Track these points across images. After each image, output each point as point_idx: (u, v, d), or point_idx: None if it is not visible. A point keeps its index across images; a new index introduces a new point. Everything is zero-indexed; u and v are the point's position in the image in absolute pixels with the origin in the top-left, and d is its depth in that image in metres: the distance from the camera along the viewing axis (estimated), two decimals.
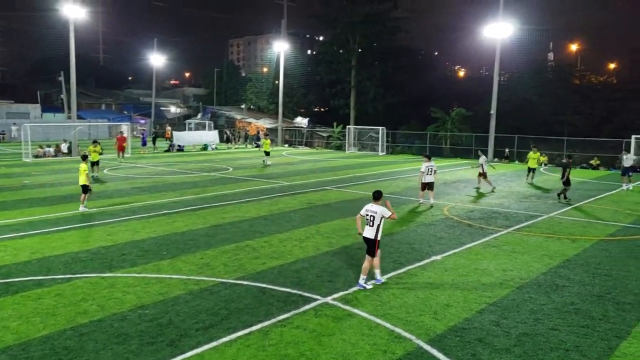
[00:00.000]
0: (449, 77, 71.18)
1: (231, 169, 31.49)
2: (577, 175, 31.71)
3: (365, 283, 10.09)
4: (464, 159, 42.70)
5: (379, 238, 10.07)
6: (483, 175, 23.55)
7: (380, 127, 48.02)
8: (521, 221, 16.85)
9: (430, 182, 19.29)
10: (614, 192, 23.91)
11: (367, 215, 10.06)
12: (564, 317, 8.93)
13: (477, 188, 23.82)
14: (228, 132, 53.02)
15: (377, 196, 10.21)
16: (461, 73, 75.22)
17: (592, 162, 37.09)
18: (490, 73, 51.48)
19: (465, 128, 47.63)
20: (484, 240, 14.29)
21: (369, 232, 10.04)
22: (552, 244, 14.00)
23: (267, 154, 35.15)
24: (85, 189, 17.45)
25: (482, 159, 23.94)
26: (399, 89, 60.38)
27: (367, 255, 10.11)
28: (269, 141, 36.39)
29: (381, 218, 10.00)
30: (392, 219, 10.22)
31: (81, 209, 17.38)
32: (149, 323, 8.41)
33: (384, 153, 47.34)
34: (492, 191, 22.93)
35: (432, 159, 19.92)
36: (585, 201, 21.27)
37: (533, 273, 11.32)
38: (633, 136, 34.47)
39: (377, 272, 10.34)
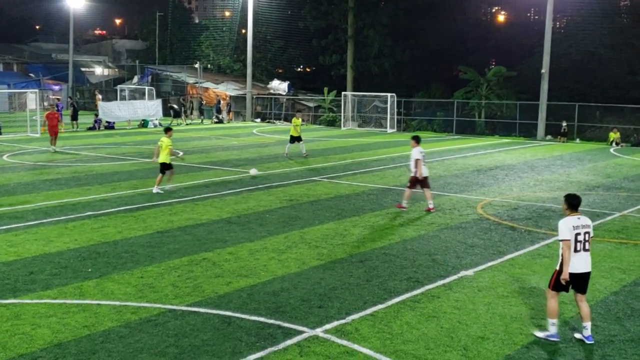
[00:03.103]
0: (484, 24, 71.35)
1: (181, 153, 31.41)
2: None
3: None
4: (504, 137, 42.97)
5: None
6: None
7: (389, 94, 48.13)
8: None
9: (426, 176, 18.25)
10: None
11: (580, 234, 9.15)
12: None
13: None
14: (175, 106, 52.72)
15: (580, 203, 9.54)
16: (501, 17, 75.42)
17: None
18: (542, 17, 51.65)
19: (507, 94, 47.88)
20: (532, 248, 14.44)
21: (585, 263, 9.27)
22: (627, 252, 14.19)
23: (297, 139, 30.36)
24: (165, 167, 20.45)
25: None
26: (413, 41, 60.49)
27: (579, 294, 9.41)
28: (299, 121, 31.09)
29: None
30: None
31: (155, 190, 20.37)
32: None
33: (394, 130, 47.50)
34: None
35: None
36: None
37: (600, 293, 11.47)
38: None
39: (589, 324, 9.41)
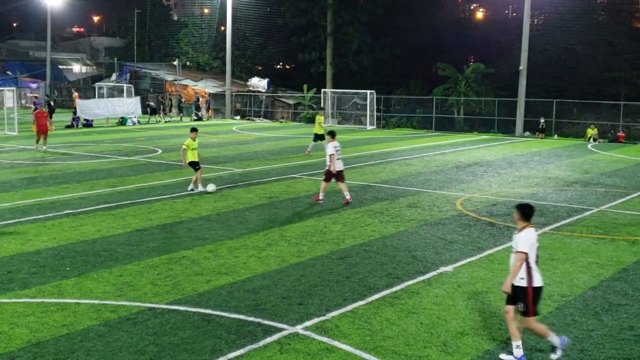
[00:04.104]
0: (463, 21, 71.66)
1: (160, 151, 31.31)
2: (638, 154, 32.44)
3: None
4: (483, 134, 43.21)
5: None
6: None
7: (369, 91, 48.21)
8: (562, 217, 17.17)
9: (342, 170, 18.82)
10: None
11: (537, 248, 8.66)
12: (620, 347, 9.14)
13: None
14: (153, 103, 52.39)
15: (533, 213, 8.79)
16: (479, 15, 75.84)
17: None
18: (519, 14, 52.02)
19: (485, 90, 48.14)
20: (511, 244, 14.50)
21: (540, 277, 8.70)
22: (604, 247, 14.32)
23: (320, 137, 29.85)
24: (194, 165, 20.29)
25: None
26: (392, 38, 60.58)
27: (528, 318, 8.64)
28: (322, 118, 31.02)
29: None
30: None
31: (197, 187, 20.40)
32: None
33: (374, 127, 47.59)
34: None
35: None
36: None
37: (578, 288, 11.56)
38: None
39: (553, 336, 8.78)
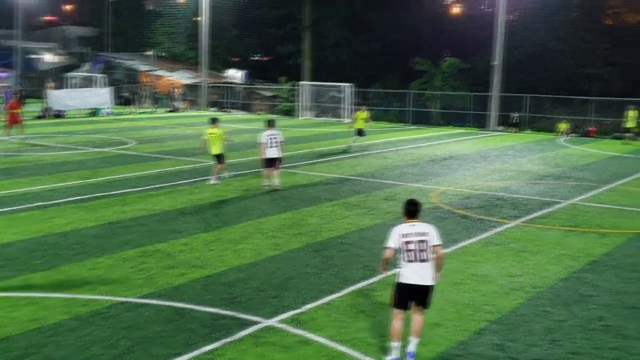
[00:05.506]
0: (439, 16, 71.79)
1: (134, 142, 31.07)
2: (608, 149, 32.87)
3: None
4: (458, 128, 43.48)
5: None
6: None
7: (346, 84, 48.20)
8: (534, 210, 17.34)
9: (276, 158, 19.42)
10: None
11: (411, 243, 8.29)
12: (590, 337, 9.28)
13: None
14: (127, 93, 52.02)
15: (417, 210, 8.60)
16: (456, 10, 76.15)
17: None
18: (494, 10, 52.39)
19: (461, 85, 48.42)
20: (484, 236, 14.65)
21: (419, 274, 8.23)
22: (575, 240, 14.49)
23: (361, 133, 30.02)
24: (220, 158, 20.22)
25: None
26: (370, 32, 60.61)
27: (419, 308, 8.47)
28: (364, 114, 30.88)
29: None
30: (441, 256, 8.49)
31: (212, 181, 20.19)
32: None
33: (351, 120, 47.54)
34: None
35: (276, 125, 20.12)
36: (619, 182, 22.07)
37: (549, 279, 11.70)
38: None
39: (415, 340, 8.49)
